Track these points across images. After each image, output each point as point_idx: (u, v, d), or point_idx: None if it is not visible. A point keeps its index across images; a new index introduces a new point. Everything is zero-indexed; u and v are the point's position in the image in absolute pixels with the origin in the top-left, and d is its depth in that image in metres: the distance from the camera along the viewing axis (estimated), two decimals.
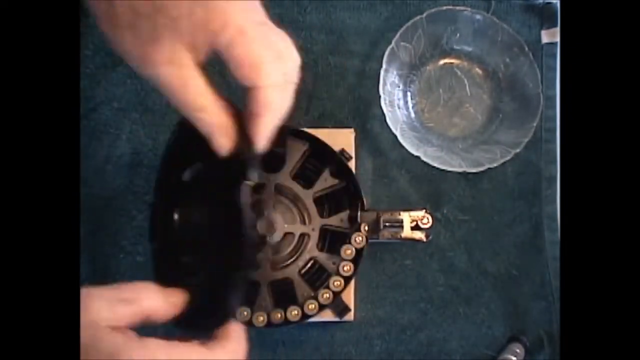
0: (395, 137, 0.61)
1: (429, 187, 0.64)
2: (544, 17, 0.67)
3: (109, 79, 0.64)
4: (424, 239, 0.57)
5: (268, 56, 0.39)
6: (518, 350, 0.60)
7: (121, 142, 0.63)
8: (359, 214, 0.56)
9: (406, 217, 0.56)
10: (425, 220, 0.57)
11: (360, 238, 0.55)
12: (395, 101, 0.64)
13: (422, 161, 0.61)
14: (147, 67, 0.39)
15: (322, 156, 0.58)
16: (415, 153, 0.61)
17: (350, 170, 0.57)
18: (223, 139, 0.40)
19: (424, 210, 0.57)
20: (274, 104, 0.40)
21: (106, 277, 0.61)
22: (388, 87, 0.63)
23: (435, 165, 0.61)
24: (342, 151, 0.58)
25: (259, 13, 0.40)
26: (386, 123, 0.61)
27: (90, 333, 0.36)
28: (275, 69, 0.39)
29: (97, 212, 0.62)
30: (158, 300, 0.40)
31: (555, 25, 0.67)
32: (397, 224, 0.56)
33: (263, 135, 0.41)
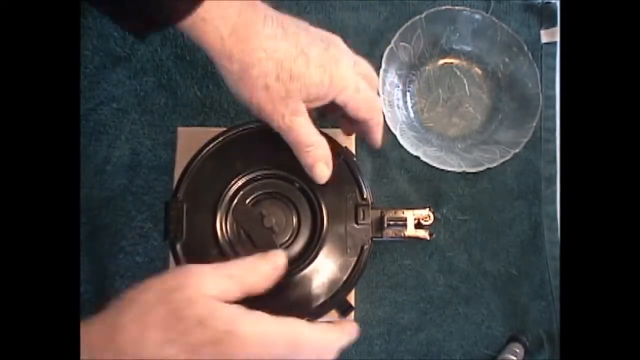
0: (395, 137, 0.61)
1: (429, 187, 0.64)
2: (543, 16, 0.67)
3: (108, 80, 0.64)
4: (428, 237, 0.56)
5: (371, 97, 0.51)
6: (518, 350, 0.60)
7: (120, 143, 0.63)
8: (363, 211, 0.56)
9: (410, 216, 0.56)
10: (427, 218, 0.57)
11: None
12: (395, 101, 0.64)
13: (422, 161, 0.61)
14: (272, 116, 0.47)
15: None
16: (415, 153, 0.61)
17: (357, 166, 0.56)
18: (325, 168, 0.50)
19: (427, 209, 0.57)
20: (381, 119, 0.53)
21: (106, 277, 0.61)
22: (387, 87, 0.63)
23: (435, 165, 0.61)
24: (346, 148, 0.57)
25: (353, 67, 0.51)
26: (385, 123, 0.61)
27: (203, 308, 0.39)
28: (376, 100, 0.52)
29: (96, 213, 0.62)
30: (259, 275, 0.44)
31: (555, 25, 0.67)
32: (401, 223, 0.56)
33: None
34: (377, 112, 0.52)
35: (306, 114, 0.48)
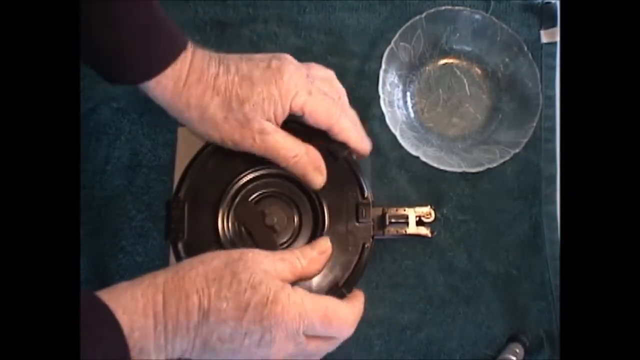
0: (395, 137, 0.61)
1: (429, 187, 0.64)
2: (543, 16, 0.67)
3: None
4: (429, 235, 0.57)
5: (328, 100, 0.53)
6: (518, 350, 0.60)
7: (120, 143, 0.63)
8: (364, 209, 0.56)
9: (411, 213, 0.57)
10: (428, 215, 0.57)
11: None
12: (395, 101, 0.64)
13: (422, 161, 0.61)
14: (244, 143, 0.51)
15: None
16: (415, 153, 0.61)
17: (358, 165, 0.56)
18: (317, 175, 0.53)
19: (429, 206, 0.57)
20: (348, 124, 0.55)
21: (106, 277, 0.61)
22: (387, 87, 0.63)
23: (435, 165, 0.61)
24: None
25: (305, 73, 0.53)
26: (386, 123, 0.61)
27: (257, 276, 0.45)
28: (334, 104, 0.54)
29: (96, 213, 0.62)
30: (307, 259, 0.50)
31: (555, 25, 0.67)
32: (403, 220, 0.56)
33: (364, 138, 0.57)
34: (336, 116, 0.53)
35: (278, 130, 0.51)
